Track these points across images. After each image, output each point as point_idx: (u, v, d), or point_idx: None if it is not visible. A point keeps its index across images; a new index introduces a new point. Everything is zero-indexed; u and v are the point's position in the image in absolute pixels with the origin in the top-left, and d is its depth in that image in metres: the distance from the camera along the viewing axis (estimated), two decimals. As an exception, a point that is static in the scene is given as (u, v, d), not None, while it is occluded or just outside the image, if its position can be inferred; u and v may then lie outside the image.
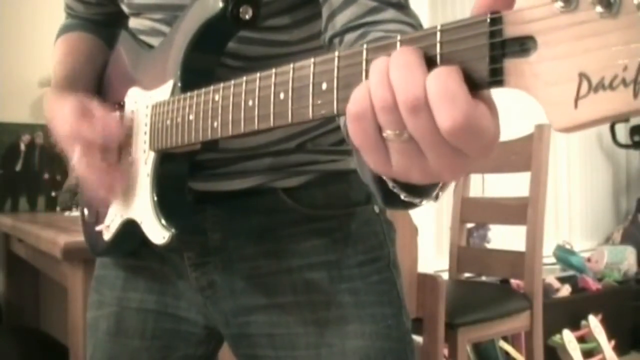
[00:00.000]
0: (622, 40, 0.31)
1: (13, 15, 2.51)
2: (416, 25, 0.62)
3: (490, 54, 0.37)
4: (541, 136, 2.13)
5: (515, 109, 2.99)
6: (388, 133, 0.41)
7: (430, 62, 0.39)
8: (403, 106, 0.39)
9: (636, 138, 3.96)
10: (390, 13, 0.62)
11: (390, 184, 0.49)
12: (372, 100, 0.40)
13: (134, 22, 0.84)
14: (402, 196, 0.49)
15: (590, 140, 4.09)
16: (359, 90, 0.42)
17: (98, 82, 0.90)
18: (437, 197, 0.49)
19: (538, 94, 0.35)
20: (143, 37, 0.82)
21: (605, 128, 4.06)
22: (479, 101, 0.38)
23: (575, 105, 0.33)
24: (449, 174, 0.41)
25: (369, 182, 0.54)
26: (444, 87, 0.37)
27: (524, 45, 0.36)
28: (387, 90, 0.40)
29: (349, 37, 0.63)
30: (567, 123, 0.34)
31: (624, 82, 0.31)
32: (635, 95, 0.31)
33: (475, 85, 0.38)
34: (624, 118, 0.33)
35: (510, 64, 0.36)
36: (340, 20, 0.64)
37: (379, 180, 0.50)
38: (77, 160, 0.73)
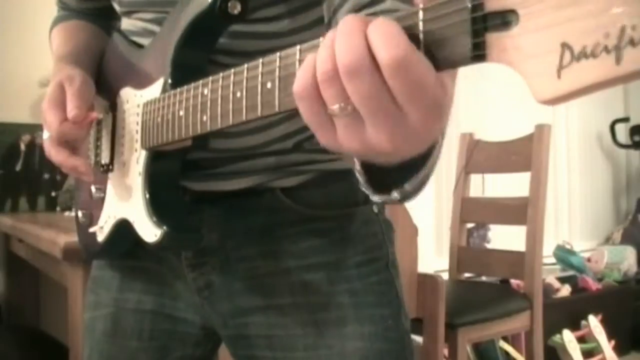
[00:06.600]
0: (603, 7, 0.31)
1: (13, 15, 2.50)
2: None
3: (472, 29, 0.37)
4: (541, 136, 2.13)
5: (515, 109, 2.99)
6: (332, 109, 0.41)
7: (414, 41, 0.39)
8: (342, 70, 0.40)
9: (636, 138, 3.96)
10: (388, 3, 0.61)
11: (362, 180, 0.49)
12: (315, 75, 0.41)
13: (125, 24, 0.83)
14: (371, 196, 0.50)
15: (590, 140, 4.09)
16: (303, 67, 0.42)
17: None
18: (405, 196, 0.50)
19: (520, 67, 0.35)
20: (135, 38, 0.81)
21: (605, 128, 4.07)
22: (421, 54, 0.39)
23: (558, 76, 0.33)
24: (388, 143, 0.41)
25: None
26: (385, 29, 0.39)
27: (505, 18, 0.35)
28: (329, 61, 0.40)
29: None
30: (550, 94, 0.34)
31: (606, 49, 0.31)
32: (617, 61, 0.31)
33: (458, 61, 0.38)
34: (609, 86, 0.32)
35: (492, 38, 0.36)
36: (342, 15, 0.64)
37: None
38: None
